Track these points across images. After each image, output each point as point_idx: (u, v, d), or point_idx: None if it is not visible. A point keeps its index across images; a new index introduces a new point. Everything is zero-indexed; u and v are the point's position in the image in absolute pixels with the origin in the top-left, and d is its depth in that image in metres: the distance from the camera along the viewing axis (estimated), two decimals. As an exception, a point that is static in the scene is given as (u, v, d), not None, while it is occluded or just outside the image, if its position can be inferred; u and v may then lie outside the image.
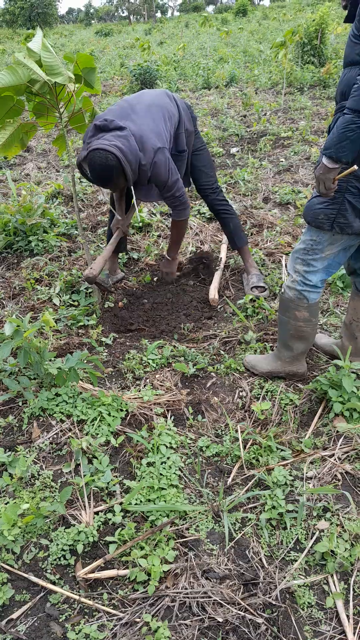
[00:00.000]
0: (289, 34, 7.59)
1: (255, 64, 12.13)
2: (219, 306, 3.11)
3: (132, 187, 2.63)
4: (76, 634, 1.52)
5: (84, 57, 2.59)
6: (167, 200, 2.77)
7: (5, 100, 2.43)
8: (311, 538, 1.75)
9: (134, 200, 2.72)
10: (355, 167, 1.76)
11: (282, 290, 2.27)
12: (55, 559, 1.71)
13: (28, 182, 5.11)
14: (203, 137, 6.54)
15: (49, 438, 2.16)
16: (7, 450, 2.11)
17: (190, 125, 2.89)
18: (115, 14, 68.05)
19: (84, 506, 1.86)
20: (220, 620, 1.51)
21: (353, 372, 2.26)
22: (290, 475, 1.97)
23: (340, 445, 2.08)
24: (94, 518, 1.81)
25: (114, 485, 1.96)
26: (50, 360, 2.45)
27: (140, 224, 4.19)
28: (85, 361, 2.39)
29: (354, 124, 1.66)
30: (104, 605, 1.60)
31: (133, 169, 2.47)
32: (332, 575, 1.64)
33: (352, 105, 1.65)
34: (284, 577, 1.63)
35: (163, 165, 2.57)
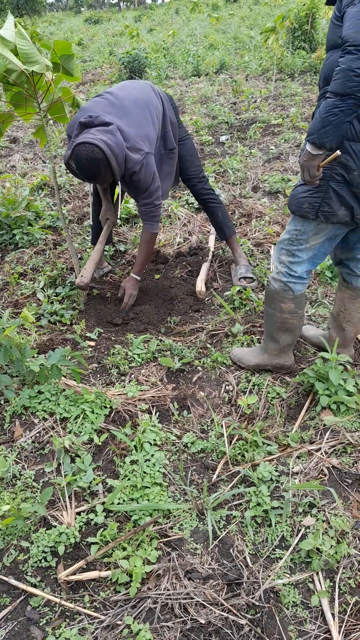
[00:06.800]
0: (280, 19, 7.46)
1: (245, 51, 11.96)
2: (206, 298, 3.06)
3: (119, 181, 2.56)
4: (56, 638, 1.48)
5: (62, 44, 2.51)
6: (144, 207, 2.71)
7: (-19, 89, 2.36)
8: (297, 535, 1.72)
9: (118, 191, 2.67)
10: (339, 152, 1.71)
11: (268, 282, 2.22)
12: (36, 561, 1.68)
13: (13, 174, 5.02)
14: (192, 125, 6.46)
15: (31, 437, 2.12)
16: (-12, 450, 2.06)
17: (174, 117, 2.84)
18: (105, 1, 67.08)
19: (66, 507, 1.82)
20: (203, 621, 1.48)
21: (340, 365, 2.21)
22: (277, 470, 1.93)
23: (327, 439, 2.05)
24: (75, 519, 1.78)
25: (96, 484, 1.91)
26: (32, 357, 2.40)
27: (127, 216, 4.12)
28: (68, 357, 2.34)
29: (337, 107, 1.60)
30: (85, 607, 1.56)
31: (119, 162, 2.43)
32: (317, 573, 1.61)
33: (334, 88, 1.59)
34: (269, 576, 1.59)
35: (149, 169, 2.55)
